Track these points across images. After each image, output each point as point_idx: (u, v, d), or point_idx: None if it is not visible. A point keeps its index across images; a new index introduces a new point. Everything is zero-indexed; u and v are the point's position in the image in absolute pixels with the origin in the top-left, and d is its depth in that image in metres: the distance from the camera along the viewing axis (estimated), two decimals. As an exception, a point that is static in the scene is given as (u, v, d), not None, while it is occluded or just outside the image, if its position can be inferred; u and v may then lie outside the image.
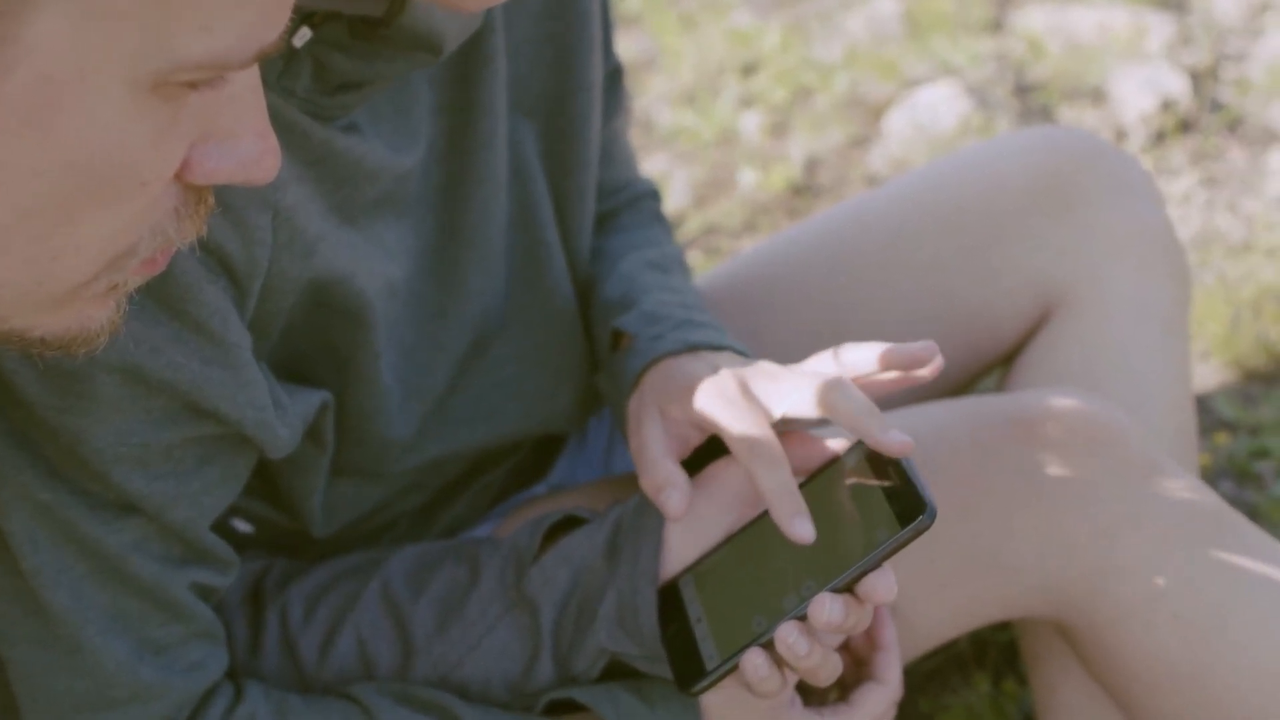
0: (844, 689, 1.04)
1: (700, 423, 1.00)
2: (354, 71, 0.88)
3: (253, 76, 0.62)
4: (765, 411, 0.98)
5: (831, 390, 0.96)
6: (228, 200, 0.83)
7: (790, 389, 0.98)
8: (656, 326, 1.07)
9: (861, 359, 1.00)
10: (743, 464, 0.98)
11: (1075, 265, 1.27)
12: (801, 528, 0.94)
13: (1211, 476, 1.73)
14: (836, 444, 0.99)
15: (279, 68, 0.85)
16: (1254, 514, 1.67)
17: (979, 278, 1.28)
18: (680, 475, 1.00)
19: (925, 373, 0.99)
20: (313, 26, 0.85)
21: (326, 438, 1.00)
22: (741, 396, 0.98)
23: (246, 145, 0.62)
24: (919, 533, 0.89)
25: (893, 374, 1.00)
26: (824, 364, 1.01)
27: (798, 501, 0.95)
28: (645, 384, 1.05)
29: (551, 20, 1.08)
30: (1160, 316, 1.28)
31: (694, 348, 1.04)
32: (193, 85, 0.58)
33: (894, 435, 0.93)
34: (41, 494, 0.86)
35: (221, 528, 1.05)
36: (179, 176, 0.62)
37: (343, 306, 0.95)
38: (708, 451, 1.03)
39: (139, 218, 0.61)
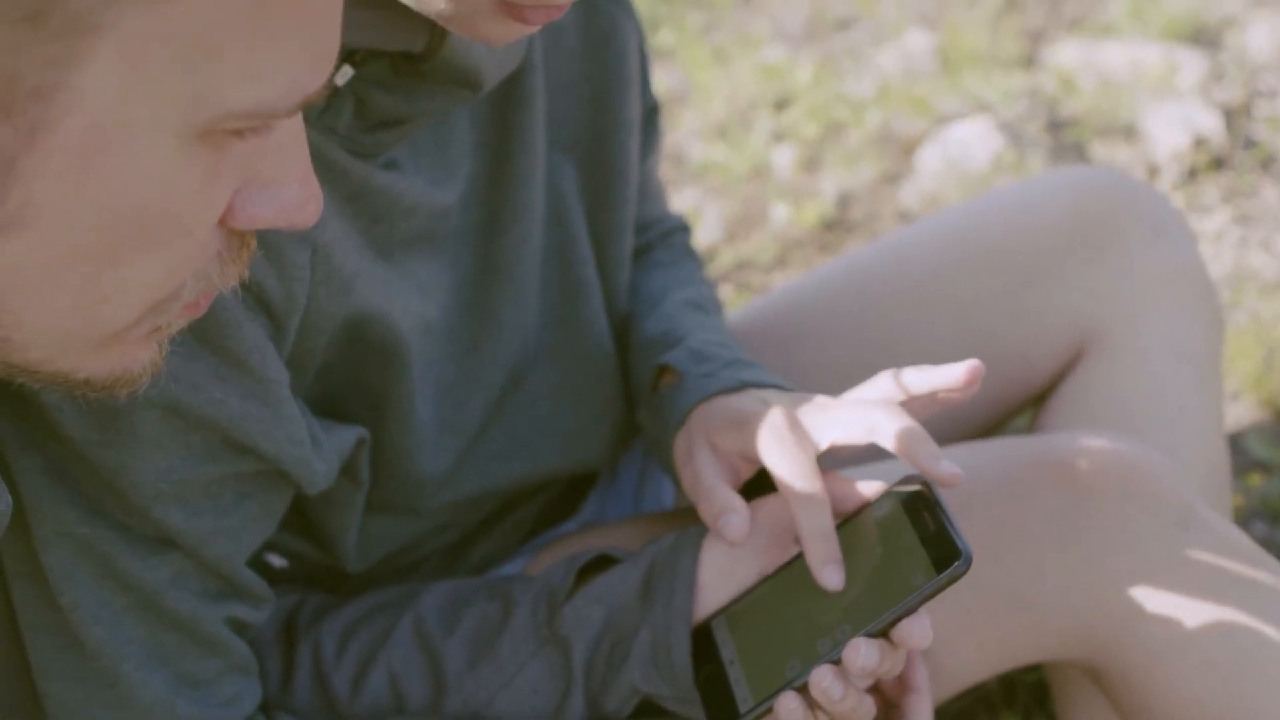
0: (875, 731, 1.04)
1: (749, 455, 1.01)
2: (395, 108, 0.89)
3: (296, 123, 0.63)
4: (813, 446, 0.98)
5: (883, 416, 0.96)
6: (267, 237, 0.84)
7: (839, 417, 0.99)
8: (707, 364, 1.08)
9: (922, 379, 0.99)
10: (787, 502, 0.98)
11: (1109, 305, 1.28)
12: (832, 576, 0.95)
13: (1244, 518, 1.72)
14: (873, 486, 0.99)
15: (321, 106, 0.86)
16: (1287, 555, 1.66)
17: (1013, 317, 1.29)
18: (738, 500, 1.00)
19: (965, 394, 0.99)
20: (354, 64, 0.86)
21: (362, 474, 1.00)
22: (790, 431, 0.99)
23: (290, 191, 0.63)
24: (954, 579, 0.88)
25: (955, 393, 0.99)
26: (883, 384, 1.01)
27: (833, 548, 0.96)
28: (693, 420, 1.05)
29: (590, 59, 1.09)
30: (1193, 356, 1.28)
31: (746, 385, 1.05)
32: (239, 133, 0.58)
33: (945, 465, 0.93)
34: (80, 529, 0.87)
35: (256, 563, 1.05)
36: (222, 222, 0.62)
37: (379, 343, 0.96)
38: (749, 487, 1.04)
39: (184, 263, 0.61)
